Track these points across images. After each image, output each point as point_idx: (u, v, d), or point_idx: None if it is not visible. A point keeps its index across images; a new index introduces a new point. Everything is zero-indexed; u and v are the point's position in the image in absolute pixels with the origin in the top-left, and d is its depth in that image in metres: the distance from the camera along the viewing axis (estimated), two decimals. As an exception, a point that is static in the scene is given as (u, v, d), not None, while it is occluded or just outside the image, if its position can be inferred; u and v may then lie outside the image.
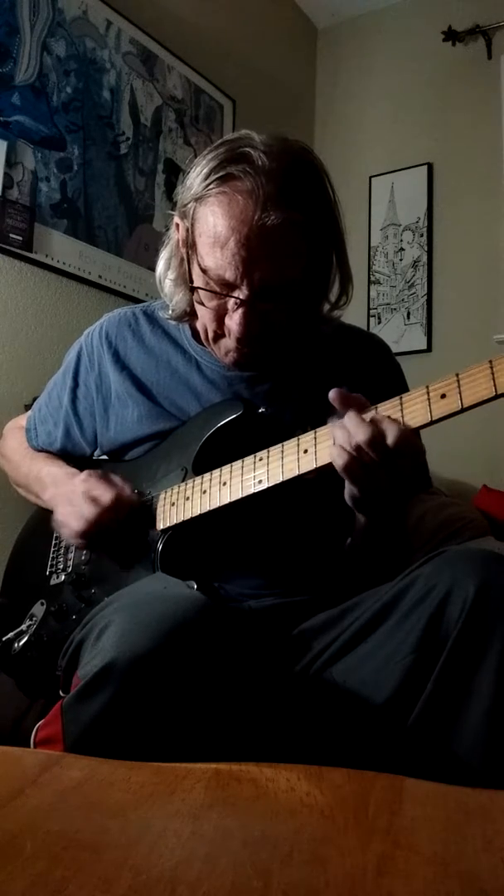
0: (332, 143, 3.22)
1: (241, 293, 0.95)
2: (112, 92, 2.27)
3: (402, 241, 3.04)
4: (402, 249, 3.03)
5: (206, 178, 0.94)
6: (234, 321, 0.97)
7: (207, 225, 0.94)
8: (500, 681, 0.78)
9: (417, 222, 3.01)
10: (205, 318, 1.02)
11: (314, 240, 0.97)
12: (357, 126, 3.20)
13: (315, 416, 1.06)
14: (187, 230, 0.99)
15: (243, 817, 0.61)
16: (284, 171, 0.93)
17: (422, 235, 2.99)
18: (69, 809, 0.61)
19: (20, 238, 1.94)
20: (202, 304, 1.00)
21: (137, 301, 2.21)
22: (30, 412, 1.28)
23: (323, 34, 3.41)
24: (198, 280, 0.99)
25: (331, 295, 1.05)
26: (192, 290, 0.99)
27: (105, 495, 1.02)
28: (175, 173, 2.51)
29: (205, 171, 0.95)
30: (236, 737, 0.87)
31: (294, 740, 0.91)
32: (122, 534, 1.04)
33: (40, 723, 0.97)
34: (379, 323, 3.02)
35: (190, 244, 0.99)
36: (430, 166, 3.01)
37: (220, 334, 1.02)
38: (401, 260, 3.02)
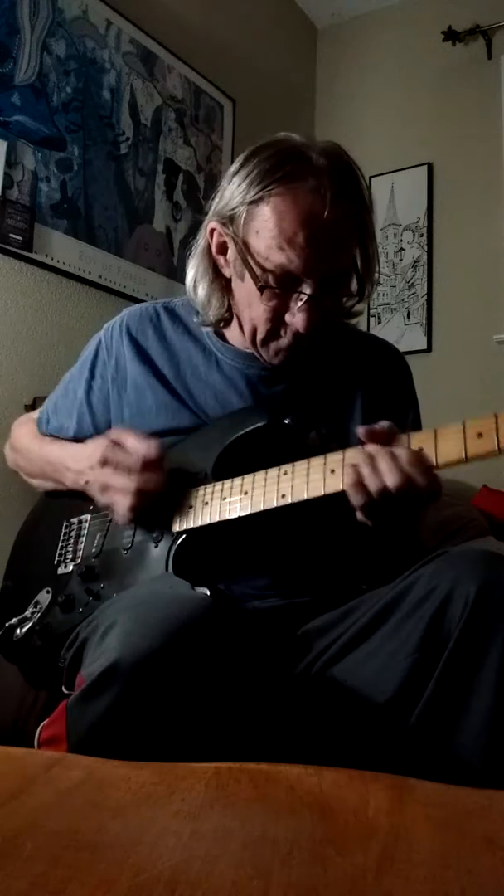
0: (332, 143, 3.22)
1: (307, 288, 0.97)
2: (112, 92, 2.27)
3: (402, 241, 3.04)
4: (402, 249, 3.03)
5: (261, 181, 0.95)
6: (298, 318, 0.98)
7: (269, 223, 0.95)
8: (502, 681, 0.78)
9: (417, 222, 3.01)
10: (257, 320, 1.02)
11: (361, 234, 1.01)
12: (357, 126, 3.20)
13: (328, 420, 1.07)
14: (233, 236, 1.00)
15: (243, 817, 0.61)
16: (339, 169, 0.96)
17: (422, 235, 2.99)
18: (69, 809, 0.61)
19: (20, 238, 1.94)
20: (262, 303, 0.99)
21: (137, 301, 2.21)
22: (42, 406, 1.28)
23: (323, 34, 3.41)
24: (255, 280, 0.99)
25: (366, 288, 1.07)
26: (261, 289, 0.98)
27: (127, 461, 0.99)
28: (175, 173, 2.51)
29: (255, 173, 0.96)
30: (237, 737, 0.87)
31: (295, 740, 0.91)
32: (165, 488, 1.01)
33: (44, 722, 0.97)
34: (379, 323, 3.02)
35: (241, 248, 0.99)
36: (430, 166, 3.01)
37: (273, 334, 1.02)
38: (401, 260, 3.02)
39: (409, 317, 2.97)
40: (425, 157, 3.02)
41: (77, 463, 1.09)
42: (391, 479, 0.83)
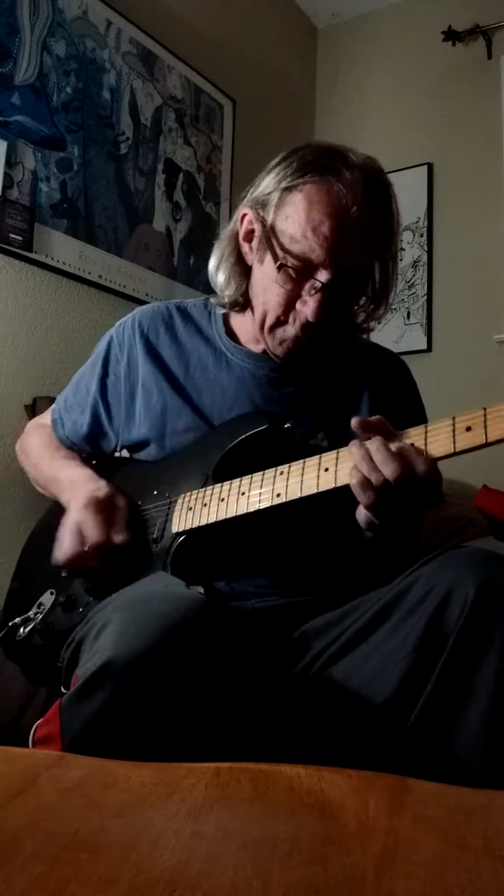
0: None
1: (322, 275, 0.99)
2: (112, 92, 2.27)
3: (402, 241, 3.03)
4: (402, 249, 3.03)
5: (298, 170, 0.99)
6: (309, 306, 1.00)
7: (299, 209, 0.98)
8: (501, 681, 0.78)
9: (417, 222, 3.01)
10: (270, 304, 1.04)
11: (384, 247, 1.05)
12: (357, 126, 3.20)
13: (335, 422, 1.08)
14: (262, 220, 1.03)
15: (243, 817, 0.61)
16: (375, 176, 1.01)
17: (422, 235, 2.99)
18: (69, 809, 0.61)
19: (20, 238, 1.94)
20: (277, 286, 1.02)
21: (138, 301, 2.21)
22: (54, 405, 1.28)
23: (323, 34, 3.41)
24: (276, 264, 1.01)
25: (380, 305, 1.10)
26: (279, 268, 1.01)
27: (91, 536, 1.03)
28: (175, 173, 2.51)
29: (295, 164, 1.00)
30: (236, 737, 0.87)
31: (294, 740, 0.91)
32: (108, 565, 1.05)
33: (39, 721, 0.97)
34: (379, 323, 3.01)
35: (268, 230, 1.02)
36: (430, 166, 3.01)
37: (282, 321, 1.04)
38: (401, 260, 3.01)
39: (409, 317, 2.97)
40: (425, 157, 3.02)
41: (74, 491, 1.12)
42: (389, 470, 0.84)
